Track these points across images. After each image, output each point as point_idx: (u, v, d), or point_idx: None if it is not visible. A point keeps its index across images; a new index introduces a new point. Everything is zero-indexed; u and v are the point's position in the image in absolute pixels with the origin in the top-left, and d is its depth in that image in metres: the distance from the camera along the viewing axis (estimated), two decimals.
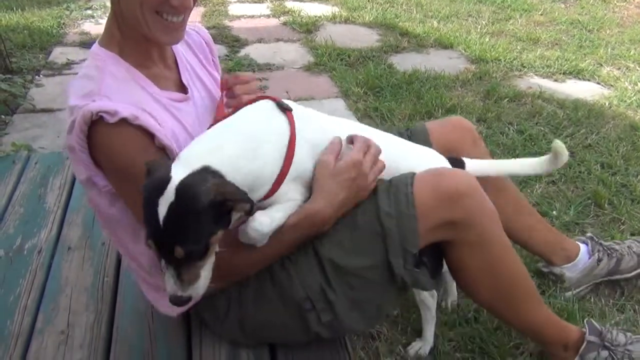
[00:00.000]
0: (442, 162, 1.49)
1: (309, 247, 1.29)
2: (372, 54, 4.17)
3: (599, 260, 1.89)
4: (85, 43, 4.32)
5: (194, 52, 1.51)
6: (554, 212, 2.37)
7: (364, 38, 4.58)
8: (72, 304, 1.59)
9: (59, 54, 4.17)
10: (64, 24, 4.89)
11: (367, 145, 1.32)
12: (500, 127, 3.08)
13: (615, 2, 5.76)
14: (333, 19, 5.00)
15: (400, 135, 1.65)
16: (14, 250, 1.81)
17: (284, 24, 4.98)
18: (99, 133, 1.15)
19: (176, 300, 1.06)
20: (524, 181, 2.56)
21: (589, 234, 2.02)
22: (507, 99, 3.41)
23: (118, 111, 1.13)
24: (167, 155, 1.20)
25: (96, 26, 4.74)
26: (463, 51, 4.29)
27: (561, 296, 1.88)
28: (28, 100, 3.40)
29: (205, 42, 1.56)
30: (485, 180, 1.41)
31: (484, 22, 4.98)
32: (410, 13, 5.21)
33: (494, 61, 4.06)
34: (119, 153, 1.17)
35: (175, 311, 1.37)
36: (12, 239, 1.86)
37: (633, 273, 1.93)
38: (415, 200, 1.25)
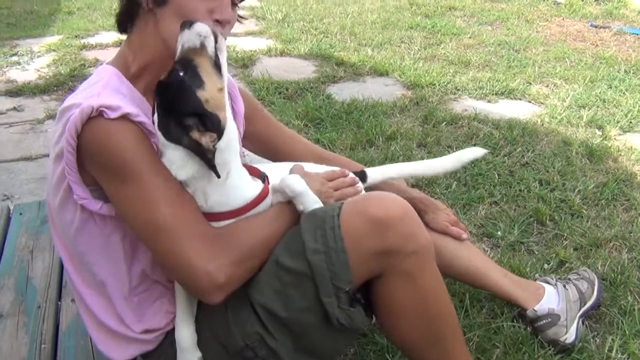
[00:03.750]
0: None
1: (241, 292, 1.24)
2: (309, 85, 4.18)
3: (563, 285, 1.86)
4: (12, 91, 4.14)
5: None
6: (499, 233, 2.40)
7: (301, 70, 4.60)
8: None
9: None
10: None
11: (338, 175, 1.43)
12: (440, 151, 3.13)
13: (538, 22, 6.03)
14: (269, 53, 5.01)
15: None
16: None
17: None
18: (96, 130, 1.13)
19: None
20: (467, 204, 2.60)
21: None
22: (444, 123, 3.48)
23: (120, 106, 1.14)
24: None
25: (23, 73, 4.54)
26: (398, 77, 4.37)
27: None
28: None
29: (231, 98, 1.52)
30: None
31: (416, 48, 5.10)
32: (344, 42, 5.28)
33: (429, 86, 4.15)
34: (119, 148, 1.14)
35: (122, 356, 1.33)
36: None
37: (594, 297, 1.90)
38: (343, 232, 1.19)
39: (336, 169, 1.49)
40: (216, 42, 1.18)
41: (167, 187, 1.16)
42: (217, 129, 1.13)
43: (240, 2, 1.32)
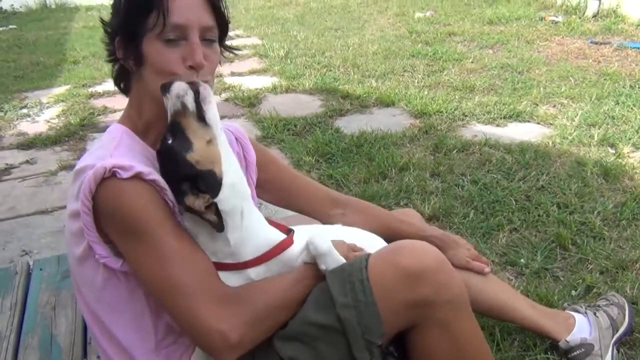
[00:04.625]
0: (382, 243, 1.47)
1: (271, 346, 1.23)
2: (317, 120, 4.20)
3: (593, 313, 1.83)
4: (24, 144, 4.18)
5: None
6: (522, 260, 2.37)
7: (307, 105, 4.63)
8: None
9: None
10: None
11: None
12: (455, 179, 3.12)
13: (538, 42, 6.07)
14: (274, 90, 5.05)
15: None
16: None
17: (226, 100, 4.97)
18: (110, 190, 1.15)
19: None
20: (487, 232, 2.57)
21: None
22: (455, 150, 3.47)
23: (133, 166, 1.16)
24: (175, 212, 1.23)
25: (33, 125, 4.60)
26: (405, 107, 4.38)
27: None
28: None
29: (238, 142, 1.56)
30: None
31: (420, 76, 5.13)
32: (348, 75, 5.32)
33: (436, 113, 4.15)
34: (133, 208, 1.16)
35: None
36: None
37: (626, 323, 1.86)
38: (372, 284, 1.17)
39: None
40: (199, 94, 1.19)
41: (180, 245, 1.18)
42: (212, 186, 1.15)
43: (207, 38, 1.28)
